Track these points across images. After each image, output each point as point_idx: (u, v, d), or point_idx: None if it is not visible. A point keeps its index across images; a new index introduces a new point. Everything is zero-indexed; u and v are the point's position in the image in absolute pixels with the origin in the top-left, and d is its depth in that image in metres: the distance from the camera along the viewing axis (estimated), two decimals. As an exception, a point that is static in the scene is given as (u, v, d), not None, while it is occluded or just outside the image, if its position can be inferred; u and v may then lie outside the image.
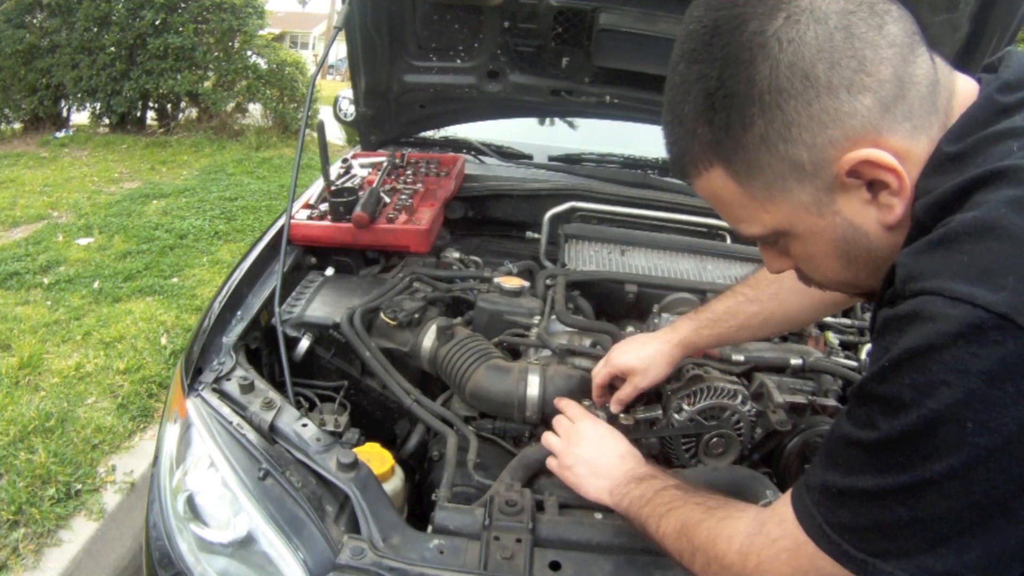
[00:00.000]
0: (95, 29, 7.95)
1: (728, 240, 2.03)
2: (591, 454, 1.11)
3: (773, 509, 0.76)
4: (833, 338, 1.59)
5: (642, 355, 1.22)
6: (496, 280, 1.60)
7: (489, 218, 2.19)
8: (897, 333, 0.58)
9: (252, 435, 1.12)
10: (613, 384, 1.28)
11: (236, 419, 1.15)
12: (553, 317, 1.49)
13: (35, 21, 8.28)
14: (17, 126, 8.59)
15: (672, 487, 0.96)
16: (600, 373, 1.27)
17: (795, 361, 1.39)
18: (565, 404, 1.23)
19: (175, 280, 4.02)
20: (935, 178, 0.62)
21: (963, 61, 1.68)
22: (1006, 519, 0.56)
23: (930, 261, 0.58)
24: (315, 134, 1.78)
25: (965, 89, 0.68)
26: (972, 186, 0.59)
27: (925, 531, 0.58)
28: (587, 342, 1.45)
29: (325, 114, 3.04)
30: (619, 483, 1.04)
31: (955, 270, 0.55)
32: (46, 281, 3.87)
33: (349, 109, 3.05)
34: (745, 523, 0.78)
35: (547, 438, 1.17)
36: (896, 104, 0.62)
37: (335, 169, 2.06)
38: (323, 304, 1.52)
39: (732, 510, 0.84)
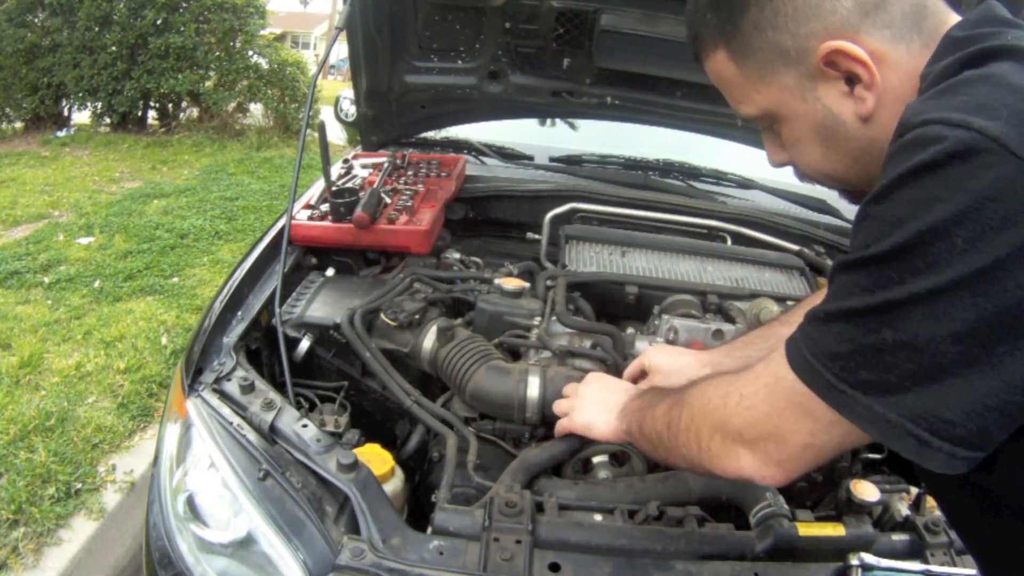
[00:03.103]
0: (96, 28, 7.95)
1: (728, 242, 2.04)
2: (597, 393, 1.16)
3: (766, 357, 0.77)
4: None
5: (673, 361, 1.24)
6: (497, 281, 1.60)
7: (490, 219, 2.19)
8: (898, 158, 0.61)
9: (252, 436, 1.13)
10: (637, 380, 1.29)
11: (236, 419, 1.15)
12: (553, 318, 1.49)
13: (36, 20, 8.29)
14: (18, 125, 8.60)
15: (674, 388, 0.99)
16: (633, 364, 1.30)
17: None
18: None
19: (176, 280, 4.03)
20: (944, 59, 0.67)
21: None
22: (988, 361, 0.56)
23: (935, 102, 0.62)
24: (316, 134, 1.78)
25: (956, 20, 0.72)
26: (982, 55, 0.63)
27: (908, 362, 0.59)
28: (587, 343, 1.45)
29: (326, 114, 3.04)
30: (624, 406, 1.08)
31: (955, 105, 0.59)
32: (47, 280, 3.87)
33: (350, 109, 3.06)
34: (736, 374, 0.82)
35: (558, 403, 1.21)
36: (876, 11, 0.70)
37: (336, 169, 2.06)
38: (323, 305, 1.52)
39: (724, 372, 0.87)
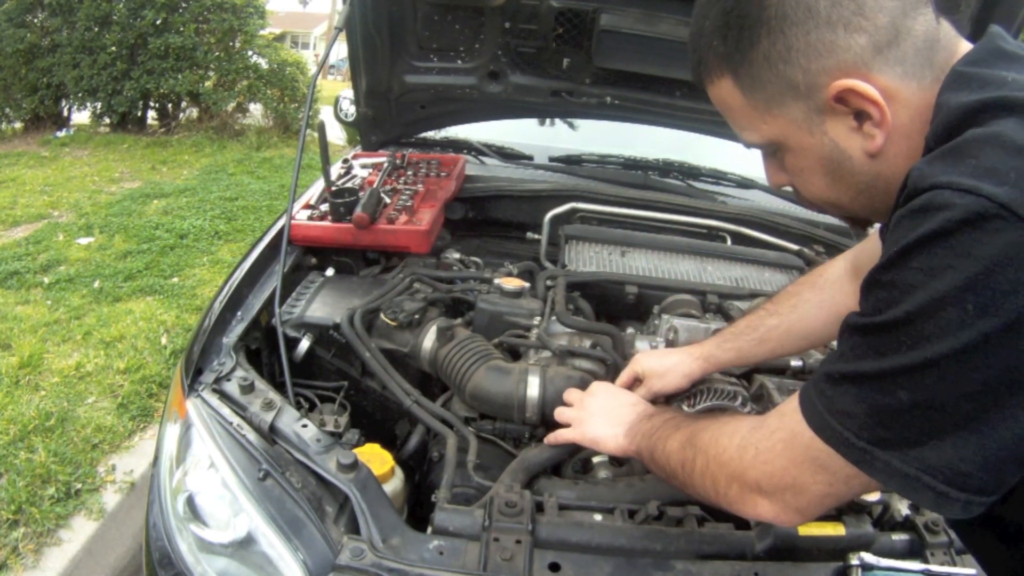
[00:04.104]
0: (96, 29, 7.95)
1: (728, 242, 2.04)
2: (604, 406, 1.16)
3: (779, 407, 0.79)
4: (833, 340, 1.59)
5: (663, 361, 1.26)
6: (496, 281, 1.60)
7: (489, 219, 2.19)
8: (908, 224, 0.61)
9: (252, 436, 1.12)
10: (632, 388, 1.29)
11: (236, 420, 1.15)
12: (553, 318, 1.49)
13: (36, 20, 8.28)
14: (18, 125, 8.59)
15: (681, 415, 1.01)
16: (623, 374, 1.30)
17: (795, 363, 1.39)
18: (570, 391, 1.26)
19: (175, 280, 4.02)
20: (947, 94, 0.67)
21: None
22: (1001, 414, 0.58)
23: (942, 164, 0.62)
24: (316, 134, 1.78)
25: (966, 51, 0.71)
26: (985, 109, 0.63)
27: (924, 420, 0.60)
28: (587, 343, 1.45)
29: (326, 114, 3.04)
30: (632, 425, 1.08)
31: (963, 169, 0.59)
32: (46, 280, 3.87)
33: (350, 109, 3.06)
34: (750, 421, 0.83)
35: (561, 411, 1.20)
36: (889, 48, 0.68)
37: (336, 169, 2.06)
38: (323, 305, 1.52)
39: (738, 415, 0.88)
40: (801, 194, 0.83)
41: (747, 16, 0.71)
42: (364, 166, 2.12)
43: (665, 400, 1.33)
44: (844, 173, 0.75)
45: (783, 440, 0.74)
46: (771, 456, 0.75)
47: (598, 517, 1.08)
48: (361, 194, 1.78)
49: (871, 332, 0.64)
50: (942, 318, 0.57)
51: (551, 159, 2.44)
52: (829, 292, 1.15)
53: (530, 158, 2.46)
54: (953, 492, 0.60)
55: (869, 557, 1.01)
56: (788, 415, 0.74)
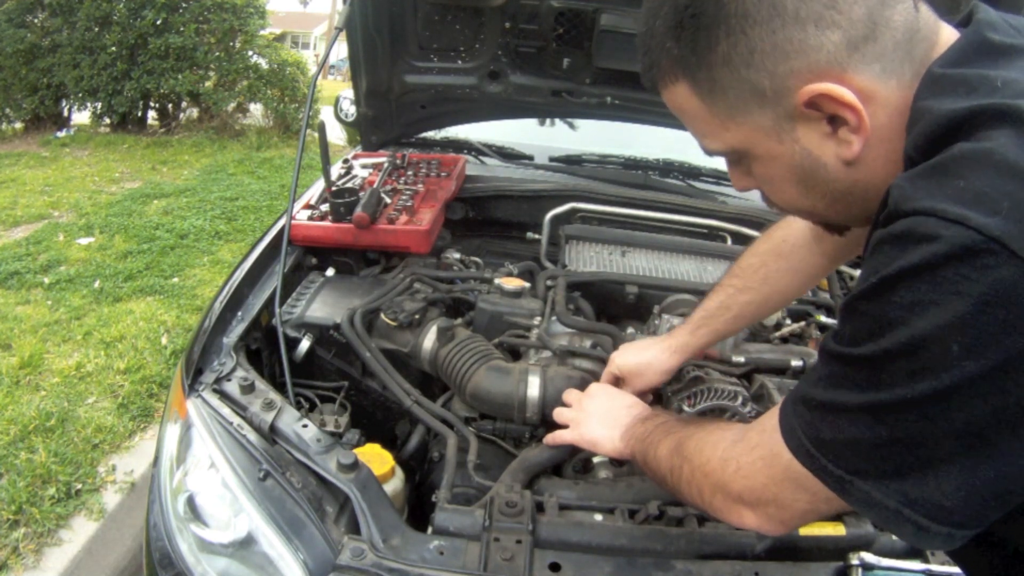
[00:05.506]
0: (96, 29, 7.96)
1: (729, 241, 2.04)
2: (601, 407, 1.16)
3: (759, 420, 0.77)
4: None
5: (639, 359, 1.26)
6: (497, 281, 1.60)
7: (490, 219, 2.19)
8: (889, 252, 0.56)
9: (252, 436, 1.12)
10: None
11: (236, 420, 1.15)
12: (553, 318, 1.49)
13: (36, 21, 8.29)
14: (18, 126, 8.60)
15: (674, 419, 1.00)
16: (605, 375, 1.30)
17: (796, 363, 1.39)
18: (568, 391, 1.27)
19: (176, 280, 4.03)
20: (932, 99, 0.61)
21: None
22: (988, 452, 0.54)
23: (926, 184, 0.56)
24: (316, 134, 1.79)
25: (948, 41, 0.65)
26: (975, 119, 0.57)
27: (905, 454, 0.57)
28: (587, 343, 1.45)
29: (326, 114, 3.04)
30: (627, 427, 1.08)
31: (950, 193, 0.53)
32: (47, 281, 3.87)
33: (350, 109, 3.05)
34: (732, 433, 0.81)
35: (560, 412, 1.20)
36: (866, 44, 0.61)
37: (336, 169, 2.06)
38: (324, 305, 1.52)
39: (723, 423, 0.88)
40: (772, 202, 0.78)
41: (703, 14, 0.63)
42: (364, 166, 2.12)
43: (657, 398, 1.33)
44: (818, 181, 0.69)
45: (763, 458, 0.72)
46: (752, 472, 0.74)
47: (598, 517, 1.08)
48: (361, 194, 1.78)
49: (850, 363, 0.60)
50: (924, 358, 0.53)
51: (551, 159, 2.44)
52: (798, 256, 1.14)
53: (530, 158, 2.46)
54: (934, 527, 0.58)
55: (869, 557, 1.01)
56: (768, 432, 0.71)
